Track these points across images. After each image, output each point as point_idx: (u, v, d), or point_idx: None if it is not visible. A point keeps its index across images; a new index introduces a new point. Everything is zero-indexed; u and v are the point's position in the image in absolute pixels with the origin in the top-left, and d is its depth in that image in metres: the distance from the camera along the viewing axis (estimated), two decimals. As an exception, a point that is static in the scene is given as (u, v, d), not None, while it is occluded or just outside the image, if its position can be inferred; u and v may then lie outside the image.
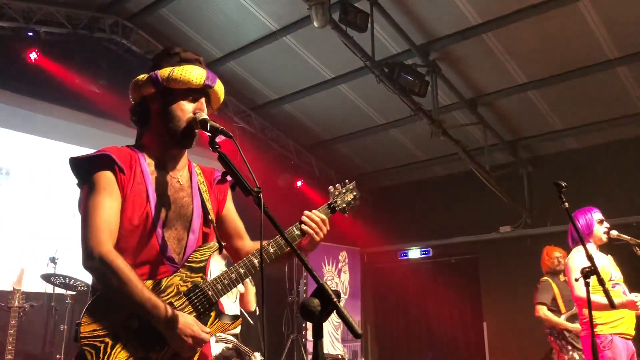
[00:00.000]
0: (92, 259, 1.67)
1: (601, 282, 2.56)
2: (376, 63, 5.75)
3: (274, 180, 8.38)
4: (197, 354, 1.81)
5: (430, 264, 9.09)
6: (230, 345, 3.84)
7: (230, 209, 2.06)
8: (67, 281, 5.18)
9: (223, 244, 1.94)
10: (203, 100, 1.88)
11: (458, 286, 8.59)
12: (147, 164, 1.85)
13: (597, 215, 3.90)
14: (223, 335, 3.66)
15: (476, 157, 7.16)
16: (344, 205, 2.10)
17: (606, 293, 2.58)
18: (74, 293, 5.23)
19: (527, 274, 7.62)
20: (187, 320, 1.71)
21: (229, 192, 2.05)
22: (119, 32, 6.37)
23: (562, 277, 5.19)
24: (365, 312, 9.25)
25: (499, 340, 7.81)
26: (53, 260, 5.31)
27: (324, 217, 1.96)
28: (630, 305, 3.45)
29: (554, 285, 5.17)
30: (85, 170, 1.78)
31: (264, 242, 1.87)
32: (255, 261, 1.85)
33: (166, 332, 1.68)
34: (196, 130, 1.84)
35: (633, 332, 3.73)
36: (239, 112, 7.73)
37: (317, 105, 7.57)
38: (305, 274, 7.86)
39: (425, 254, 9.16)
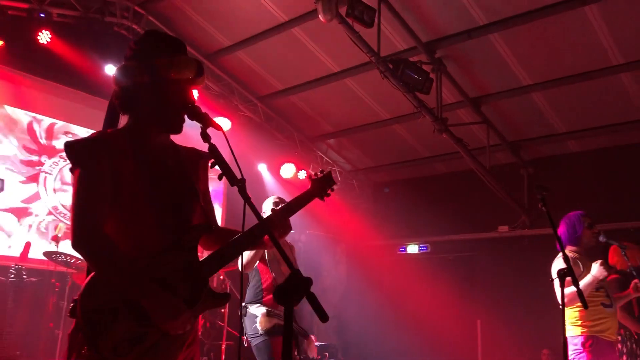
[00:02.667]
0: (80, 240, 1.75)
1: (576, 284, 2.65)
2: (381, 59, 5.81)
3: (276, 169, 8.48)
4: (192, 335, 1.90)
5: (428, 259, 9.17)
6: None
7: (206, 193, 2.14)
8: (69, 259, 5.32)
9: (213, 225, 2.03)
10: (193, 89, 1.97)
11: (454, 283, 8.66)
12: (138, 147, 1.92)
13: (585, 220, 3.97)
14: (276, 311, 3.84)
15: (478, 156, 7.21)
16: (322, 192, 2.36)
17: (580, 294, 2.67)
18: (74, 271, 5.36)
19: (523, 274, 7.72)
20: (172, 301, 1.78)
21: (207, 175, 2.14)
22: (130, 17, 6.46)
23: None
24: (361, 303, 9.35)
25: (491, 338, 7.88)
26: (56, 238, 5.45)
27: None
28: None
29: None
30: (79, 154, 1.84)
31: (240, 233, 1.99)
32: (237, 245, 1.96)
33: (151, 312, 1.74)
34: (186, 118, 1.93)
35: (615, 337, 3.81)
36: (244, 101, 7.82)
37: (322, 97, 7.64)
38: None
39: (423, 249, 9.25)
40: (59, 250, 5.33)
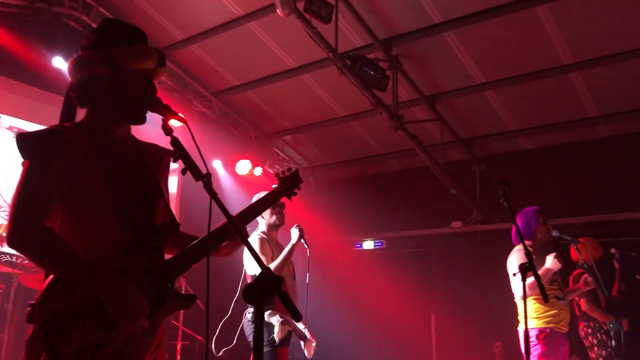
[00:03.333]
0: (15, 233, 1.63)
1: (537, 278, 2.71)
2: (339, 55, 5.80)
3: (232, 165, 8.36)
4: (157, 339, 1.82)
5: (384, 255, 9.24)
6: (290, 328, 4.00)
7: (167, 192, 2.06)
8: (14, 260, 5.08)
9: (179, 224, 1.96)
10: (154, 80, 1.89)
11: (409, 278, 8.77)
12: (97, 141, 1.83)
13: (540, 215, 4.08)
14: (287, 317, 3.83)
15: (432, 153, 7.31)
16: (289, 190, 2.33)
17: (541, 288, 2.73)
18: (20, 272, 5.13)
19: (476, 268, 7.89)
20: (135, 298, 1.70)
21: (168, 174, 2.07)
22: (79, 8, 6.22)
23: None
24: (317, 299, 9.34)
25: (445, 331, 8.02)
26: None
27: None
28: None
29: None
30: (30, 146, 1.73)
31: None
32: (208, 244, 1.89)
33: (112, 310, 1.66)
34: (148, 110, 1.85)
35: (567, 329, 3.93)
36: (199, 96, 7.67)
37: (279, 93, 7.58)
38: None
39: (379, 245, 9.32)
40: (3, 250, 5.09)
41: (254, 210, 2.12)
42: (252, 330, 3.80)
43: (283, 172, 2.37)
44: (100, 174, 1.78)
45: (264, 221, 4.52)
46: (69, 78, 1.89)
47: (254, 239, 4.29)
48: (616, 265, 5.48)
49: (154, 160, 1.98)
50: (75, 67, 1.85)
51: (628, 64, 5.98)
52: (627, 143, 7.21)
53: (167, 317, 1.89)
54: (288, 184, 2.33)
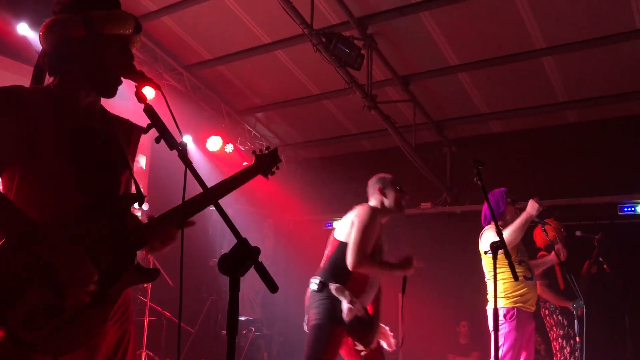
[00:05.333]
0: None
1: (507, 256, 2.75)
2: (314, 31, 5.73)
3: (202, 141, 8.25)
4: (120, 310, 1.77)
5: (353, 235, 9.28)
6: None
7: (133, 164, 2.01)
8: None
9: (145, 196, 1.90)
10: (130, 48, 1.82)
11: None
12: (61, 106, 1.75)
13: (508, 196, 4.15)
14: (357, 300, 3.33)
15: (404, 134, 7.33)
16: (267, 169, 2.22)
17: (511, 267, 2.78)
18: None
19: (443, 249, 8.00)
20: (77, 261, 1.61)
21: (137, 150, 2.01)
22: (45, -28, 5.99)
23: None
24: (286, 277, 9.36)
25: (412, 311, 8.09)
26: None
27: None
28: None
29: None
30: None
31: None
32: (172, 215, 1.83)
33: (52, 267, 1.57)
34: (122, 79, 1.78)
35: (534, 308, 4.02)
36: (169, 70, 7.50)
37: (252, 69, 7.47)
38: (227, 238, 7.84)
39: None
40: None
41: (225, 187, 1.99)
42: (321, 304, 3.32)
43: (261, 150, 2.26)
44: (60, 138, 1.71)
45: (379, 200, 3.81)
46: (37, 45, 1.80)
47: (364, 209, 3.59)
48: (595, 245, 5.62)
49: (122, 133, 1.92)
50: (49, 30, 1.76)
51: (599, 50, 6.07)
52: (595, 129, 7.35)
53: (127, 288, 1.82)
54: (266, 162, 2.23)
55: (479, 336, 7.10)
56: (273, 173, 2.26)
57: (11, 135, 1.63)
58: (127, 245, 1.75)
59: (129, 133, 1.95)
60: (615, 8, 5.53)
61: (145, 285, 6.22)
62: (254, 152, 2.23)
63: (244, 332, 6.88)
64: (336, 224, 3.57)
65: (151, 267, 6.20)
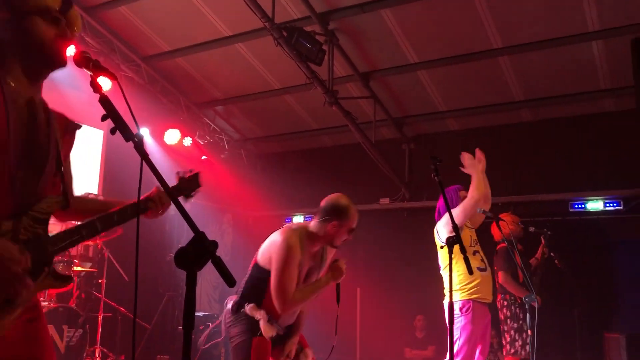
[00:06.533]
0: None
1: (463, 250, 2.81)
2: (275, 25, 5.70)
3: (160, 134, 8.11)
4: (30, 310, 1.71)
5: (313, 230, 9.30)
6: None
7: (69, 162, 1.93)
8: None
9: (70, 200, 1.82)
10: (65, 24, 1.75)
11: (337, 252, 8.86)
12: (8, 99, 1.66)
13: (462, 193, 4.27)
14: (274, 320, 3.29)
15: (364, 130, 7.39)
16: (187, 192, 2.21)
17: (466, 261, 2.83)
18: None
19: (401, 244, 8.10)
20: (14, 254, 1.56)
21: (73, 143, 1.95)
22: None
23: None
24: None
25: (370, 305, 8.21)
26: None
27: (168, 202, 2.03)
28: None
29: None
30: None
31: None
32: (98, 225, 1.79)
33: None
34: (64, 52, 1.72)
35: (490, 298, 4.12)
36: (126, 61, 7.33)
37: (212, 62, 7.38)
38: (184, 233, 7.74)
39: (308, 220, 9.35)
40: None
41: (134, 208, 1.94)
42: (237, 321, 3.29)
43: (185, 172, 2.22)
44: (3, 129, 1.61)
45: (316, 224, 3.50)
46: None
47: (283, 245, 3.30)
48: (542, 240, 5.84)
49: (60, 129, 1.83)
50: None
51: (554, 51, 6.24)
52: (548, 128, 7.56)
53: (37, 293, 1.76)
54: (186, 185, 2.19)
55: (435, 329, 7.23)
56: (192, 197, 2.23)
57: None
58: (46, 250, 1.68)
59: (64, 130, 1.87)
60: (570, 11, 5.70)
61: (100, 281, 6.09)
62: (177, 172, 2.19)
63: (200, 327, 6.80)
64: (263, 245, 3.49)
65: (105, 261, 6.06)
